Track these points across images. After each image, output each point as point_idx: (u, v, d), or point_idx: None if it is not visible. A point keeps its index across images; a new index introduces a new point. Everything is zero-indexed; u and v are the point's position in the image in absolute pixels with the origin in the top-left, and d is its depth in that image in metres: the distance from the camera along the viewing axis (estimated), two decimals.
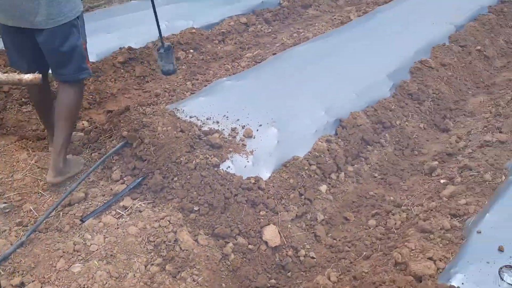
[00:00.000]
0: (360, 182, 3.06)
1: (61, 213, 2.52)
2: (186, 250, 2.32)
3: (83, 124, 3.44)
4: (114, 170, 2.80)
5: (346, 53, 4.01)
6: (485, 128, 3.36)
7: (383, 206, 2.86)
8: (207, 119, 3.08)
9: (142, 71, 4.19)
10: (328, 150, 3.07)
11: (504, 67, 4.44)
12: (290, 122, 3.17)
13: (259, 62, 4.10)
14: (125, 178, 2.75)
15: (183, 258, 2.29)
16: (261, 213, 2.60)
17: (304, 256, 2.55)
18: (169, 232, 2.39)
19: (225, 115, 3.13)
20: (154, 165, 2.71)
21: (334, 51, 4.03)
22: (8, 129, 3.28)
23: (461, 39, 4.47)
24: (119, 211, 2.53)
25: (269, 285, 2.42)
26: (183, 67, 4.41)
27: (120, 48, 4.30)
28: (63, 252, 2.25)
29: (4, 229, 2.40)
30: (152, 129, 2.85)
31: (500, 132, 3.23)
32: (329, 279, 2.37)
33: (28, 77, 1.83)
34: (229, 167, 2.75)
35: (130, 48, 4.30)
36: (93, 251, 2.26)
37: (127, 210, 2.53)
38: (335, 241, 2.66)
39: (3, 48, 2.83)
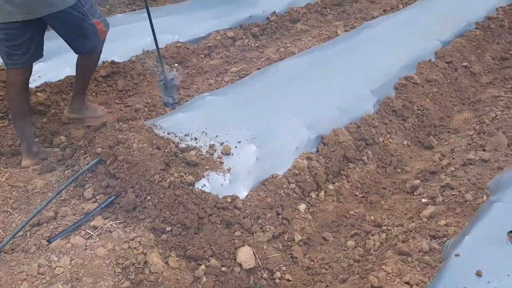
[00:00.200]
0: (341, 201, 3.00)
1: (28, 233, 2.44)
2: (156, 273, 2.25)
3: (60, 139, 3.37)
4: (86, 188, 2.72)
5: (331, 69, 3.97)
6: (469, 146, 3.32)
7: (363, 226, 2.79)
8: (185, 135, 3.02)
9: (125, 85, 4.13)
10: (308, 167, 3.01)
11: (490, 84, 4.41)
12: (270, 139, 3.12)
13: (243, 77, 4.05)
14: (97, 197, 2.68)
15: (152, 281, 2.21)
16: (236, 233, 2.53)
17: (279, 279, 2.47)
18: (139, 253, 2.32)
19: (204, 132, 3.07)
20: (127, 183, 2.64)
21: (318, 66, 3.99)
22: None
23: (447, 55, 4.45)
24: (88, 231, 2.45)
25: None
26: None
27: (103, 62, 4.24)
28: (27, 275, 2.17)
29: None
30: (127, 146, 2.79)
31: (484, 150, 3.18)
32: None
33: None
34: (204, 185, 2.68)
35: (113, 62, 4.24)
36: (58, 274, 2.18)
37: (97, 230, 2.46)
38: (312, 262, 2.59)
39: None
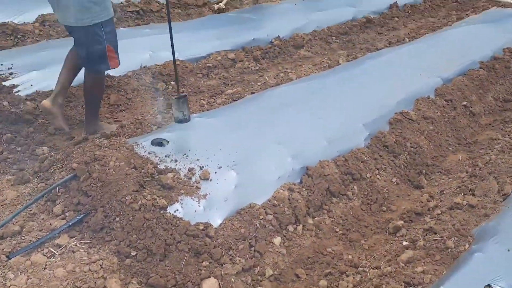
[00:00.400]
0: (319, 236, 2.90)
1: None
2: None
3: (43, 150, 3.32)
4: (57, 204, 2.66)
5: (325, 98, 3.90)
6: (459, 189, 3.21)
7: (339, 265, 2.68)
8: (166, 156, 2.96)
9: (117, 99, 4.10)
10: (289, 199, 2.92)
11: (489, 125, 4.31)
12: (253, 166, 3.04)
13: (236, 100, 4.00)
14: (67, 214, 2.62)
15: None
16: (203, 263, 2.44)
17: None
18: (98, 277, 2.24)
19: (185, 154, 3.00)
20: (98, 202, 2.57)
21: (313, 95, 3.92)
22: None
23: (448, 93, 4.36)
24: (51, 249, 2.38)
25: None
26: (161, 98, 4.32)
27: None
28: None
29: None
30: (103, 163, 2.73)
31: (473, 194, 3.07)
32: None
33: None
34: (177, 210, 2.60)
35: (108, 76, 4.22)
36: None
37: (60, 249, 2.38)
38: None
39: None
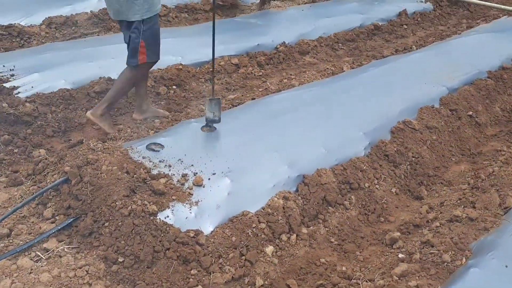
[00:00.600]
0: (313, 246, 2.84)
1: None
2: None
3: (39, 152, 3.32)
4: (47, 207, 2.64)
5: (326, 106, 3.85)
6: (459, 201, 3.13)
7: (332, 277, 2.62)
8: (160, 161, 2.93)
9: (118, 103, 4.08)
10: (283, 208, 2.87)
11: (494, 136, 4.22)
12: (248, 173, 3.00)
13: (237, 106, 3.96)
14: (57, 217, 2.59)
15: None
16: (192, 271, 2.40)
17: None
18: (84, 283, 2.21)
19: (180, 159, 2.97)
20: (88, 207, 2.55)
21: (313, 102, 3.87)
22: None
23: (453, 103, 4.28)
24: (39, 253, 2.36)
25: None
26: (162, 103, 4.31)
27: (100, 78, 4.21)
28: None
29: None
30: (95, 167, 2.71)
31: (474, 207, 2.99)
32: None
33: None
34: (167, 216, 2.57)
35: (109, 79, 4.21)
36: None
37: (48, 254, 2.36)
38: None
39: None
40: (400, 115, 3.91)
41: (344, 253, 2.84)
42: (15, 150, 3.32)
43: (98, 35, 5.34)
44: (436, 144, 3.85)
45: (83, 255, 2.36)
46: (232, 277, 2.47)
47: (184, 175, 2.84)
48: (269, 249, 2.68)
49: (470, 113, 4.31)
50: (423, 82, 4.47)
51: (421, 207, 3.21)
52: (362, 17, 6.62)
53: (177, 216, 2.60)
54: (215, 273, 2.43)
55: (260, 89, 4.45)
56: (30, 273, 2.22)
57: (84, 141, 3.07)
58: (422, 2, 7.43)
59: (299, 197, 2.99)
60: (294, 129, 3.47)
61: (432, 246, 2.65)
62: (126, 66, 3.56)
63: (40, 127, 3.61)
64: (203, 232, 2.57)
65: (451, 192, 3.35)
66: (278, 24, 6.07)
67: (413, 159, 3.62)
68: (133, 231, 2.41)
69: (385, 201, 3.26)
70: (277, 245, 2.73)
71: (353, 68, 4.95)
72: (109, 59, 4.50)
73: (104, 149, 2.91)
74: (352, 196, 3.18)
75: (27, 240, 2.43)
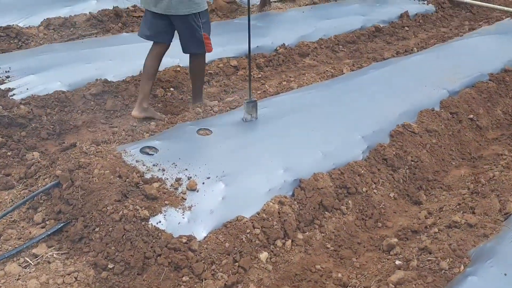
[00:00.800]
0: (309, 252, 2.78)
1: None
2: None
3: (33, 155, 3.28)
4: (38, 212, 2.60)
5: (324, 108, 3.80)
6: (459, 206, 3.07)
7: (327, 284, 2.57)
8: (154, 165, 2.88)
9: (114, 105, 4.05)
10: (278, 212, 2.82)
11: (496, 140, 4.15)
12: (243, 177, 2.95)
13: (234, 109, 3.91)
14: (47, 222, 2.56)
15: None
16: (183, 278, 2.35)
17: None
18: None
19: (174, 163, 2.93)
20: (79, 212, 2.51)
21: (311, 105, 3.82)
22: None
23: (453, 106, 4.22)
24: (27, 259, 2.32)
25: None
26: (159, 105, 4.27)
27: (96, 80, 4.18)
28: None
29: None
30: (87, 171, 2.67)
31: (473, 212, 2.94)
32: None
33: None
34: (160, 222, 2.52)
35: (106, 81, 4.18)
36: None
37: (37, 259, 2.32)
38: None
39: None
40: (400, 118, 3.86)
41: (340, 259, 2.79)
42: (9, 153, 3.28)
43: (96, 36, 5.31)
44: (436, 148, 3.79)
45: (72, 261, 2.32)
46: (225, 284, 2.42)
47: (178, 179, 2.79)
48: (264, 255, 2.63)
49: (471, 116, 4.25)
50: (423, 85, 4.41)
51: (420, 212, 3.16)
52: (363, 18, 6.57)
53: (169, 221, 2.55)
54: (208, 280, 2.38)
55: (258, 92, 4.40)
56: (17, 279, 2.18)
57: (77, 144, 3.03)
58: (424, 3, 7.37)
59: (295, 202, 2.94)
60: (291, 132, 3.42)
61: (430, 253, 2.59)
62: (191, 58, 3.90)
63: (34, 130, 3.58)
64: (196, 238, 2.53)
65: (451, 197, 3.29)
66: (278, 25, 6.03)
67: (412, 163, 3.56)
68: (124, 236, 2.37)
69: (383, 206, 3.20)
70: (272, 251, 2.68)
71: (353, 70, 4.90)
72: (107, 60, 4.47)
73: (97, 152, 2.87)
74: (349, 201, 3.12)
75: (16, 246, 2.39)
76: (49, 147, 3.49)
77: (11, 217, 2.59)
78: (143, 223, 2.45)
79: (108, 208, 2.46)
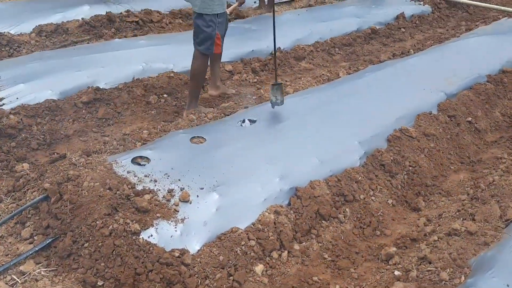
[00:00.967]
0: (306, 263, 2.71)
1: None
2: None
3: (22, 166, 3.21)
4: (26, 227, 2.52)
5: (320, 114, 3.73)
6: (458, 213, 3.01)
7: None
8: (145, 176, 2.81)
9: (106, 113, 3.98)
10: (274, 223, 2.75)
11: (495, 143, 4.08)
12: (238, 187, 2.88)
13: (228, 115, 3.84)
14: (35, 237, 2.48)
15: None
16: None
17: None
18: None
19: (166, 173, 2.86)
20: (67, 226, 2.43)
21: (307, 110, 3.76)
22: None
23: (451, 109, 4.15)
24: (14, 277, 2.24)
25: None
26: (152, 112, 4.20)
27: (88, 87, 4.10)
28: None
29: None
30: (76, 184, 2.59)
31: (473, 219, 2.87)
32: None
33: None
34: (151, 235, 2.45)
35: (97, 88, 4.10)
36: None
37: (24, 277, 2.24)
38: None
39: None
40: (397, 123, 3.79)
41: (338, 270, 2.72)
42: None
43: (88, 42, 5.23)
44: (434, 152, 3.72)
45: (60, 278, 2.24)
46: None
47: (170, 191, 2.72)
48: (259, 268, 2.56)
49: (469, 119, 4.19)
50: (420, 88, 4.35)
51: (419, 219, 3.09)
52: (359, 20, 6.51)
53: (161, 234, 2.48)
54: None
55: (254, 97, 4.33)
56: None
57: (67, 155, 2.95)
58: (420, 4, 7.31)
59: (291, 211, 2.87)
60: (287, 139, 3.36)
61: (430, 263, 2.53)
62: (195, 54, 3.93)
63: (24, 140, 3.50)
64: (189, 251, 2.46)
65: (450, 203, 3.23)
66: None
67: (410, 168, 3.49)
68: (114, 252, 2.30)
69: (381, 214, 3.13)
70: (268, 263, 2.61)
71: (349, 74, 4.83)
72: (99, 67, 4.39)
73: (87, 163, 2.79)
74: (347, 209, 3.05)
75: (4, 263, 2.32)
76: (39, 157, 3.41)
77: None
78: (133, 237, 2.38)
79: (97, 222, 2.39)
